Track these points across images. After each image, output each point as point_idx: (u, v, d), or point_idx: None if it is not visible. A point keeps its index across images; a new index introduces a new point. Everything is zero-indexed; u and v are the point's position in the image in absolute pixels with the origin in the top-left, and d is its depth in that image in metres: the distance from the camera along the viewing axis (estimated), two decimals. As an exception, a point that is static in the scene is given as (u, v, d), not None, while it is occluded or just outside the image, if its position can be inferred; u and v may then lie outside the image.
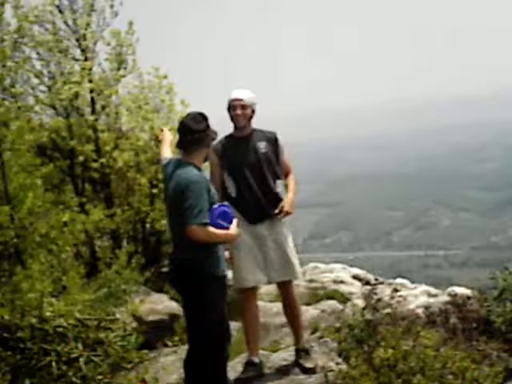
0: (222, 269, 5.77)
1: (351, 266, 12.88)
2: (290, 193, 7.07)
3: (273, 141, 7.04)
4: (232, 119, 6.91)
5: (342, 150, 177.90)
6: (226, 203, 5.86)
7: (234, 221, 5.75)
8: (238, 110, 6.79)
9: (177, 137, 5.91)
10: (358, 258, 78.02)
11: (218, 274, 5.71)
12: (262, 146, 6.92)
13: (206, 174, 6.18)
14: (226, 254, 6.20)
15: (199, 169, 5.75)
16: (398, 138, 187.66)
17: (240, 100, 6.79)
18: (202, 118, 5.78)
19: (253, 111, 6.91)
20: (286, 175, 7.19)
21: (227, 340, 5.80)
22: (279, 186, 7.00)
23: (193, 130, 5.71)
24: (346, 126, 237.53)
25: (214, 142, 6.18)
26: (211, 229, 5.53)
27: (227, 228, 5.66)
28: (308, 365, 6.95)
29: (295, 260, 7.15)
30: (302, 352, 7.14)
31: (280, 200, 6.90)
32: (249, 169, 6.76)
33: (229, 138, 7.00)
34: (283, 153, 7.13)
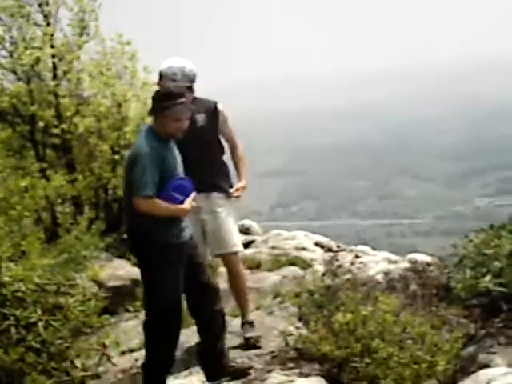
0: (171, 236, 5.63)
1: (315, 233, 12.96)
2: (242, 179, 6.99)
3: (212, 111, 6.79)
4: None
5: (308, 120, 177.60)
6: (185, 177, 5.73)
7: (191, 195, 5.64)
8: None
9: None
10: (323, 226, 78.19)
11: (166, 241, 5.60)
12: (200, 118, 6.67)
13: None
14: None
15: (159, 136, 5.58)
16: (363, 109, 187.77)
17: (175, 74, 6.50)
18: (162, 91, 5.76)
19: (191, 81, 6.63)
20: (232, 148, 7.05)
21: (176, 310, 5.71)
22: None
23: (161, 94, 5.66)
24: (312, 95, 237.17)
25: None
26: (157, 201, 5.45)
27: (182, 202, 5.57)
28: (248, 335, 6.94)
29: (231, 232, 6.93)
30: (246, 324, 7.07)
31: (219, 176, 6.89)
32: (186, 143, 6.05)
33: None
34: (226, 123, 6.92)
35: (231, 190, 6.85)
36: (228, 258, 6.98)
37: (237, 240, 7.02)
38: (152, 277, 5.70)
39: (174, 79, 6.49)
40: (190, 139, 6.09)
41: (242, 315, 7.14)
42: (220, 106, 6.87)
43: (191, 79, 6.66)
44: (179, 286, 5.70)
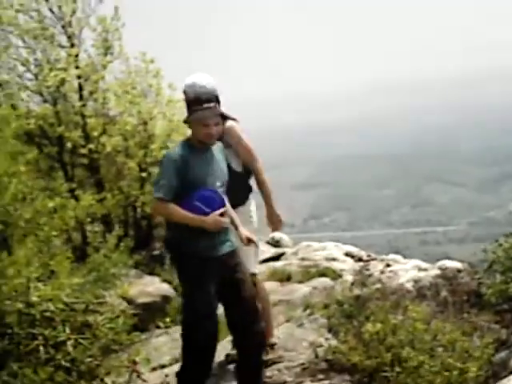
0: (202, 249, 5.54)
1: (347, 244, 12.93)
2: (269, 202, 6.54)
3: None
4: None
5: (328, 134, 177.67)
6: (216, 190, 5.57)
7: (220, 210, 5.49)
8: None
9: None
10: (355, 236, 78.09)
11: (196, 254, 5.53)
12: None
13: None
14: None
15: (193, 145, 5.54)
16: (386, 119, 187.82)
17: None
18: (205, 94, 5.51)
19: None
20: (250, 164, 6.54)
21: (208, 324, 5.61)
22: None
23: (190, 99, 5.53)
24: (330, 110, 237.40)
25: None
26: (172, 206, 5.38)
27: (206, 213, 5.43)
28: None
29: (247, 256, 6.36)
30: (267, 347, 6.82)
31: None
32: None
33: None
34: (238, 142, 6.45)
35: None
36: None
37: (252, 263, 6.58)
38: (184, 288, 5.70)
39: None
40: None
41: None
42: (227, 126, 6.40)
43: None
44: (211, 299, 5.60)
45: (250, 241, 5.89)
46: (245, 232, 5.91)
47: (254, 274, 6.48)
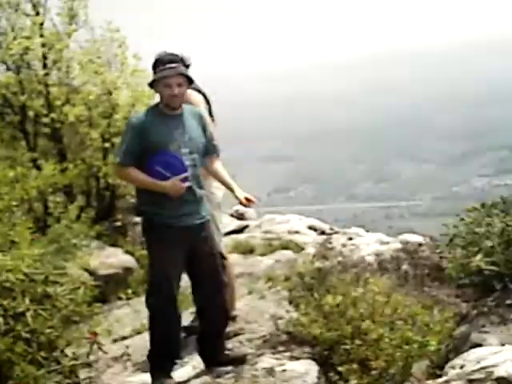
0: (166, 217, 5.49)
1: (315, 218, 12.96)
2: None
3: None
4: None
5: (299, 106, 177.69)
6: (177, 155, 5.44)
7: (181, 175, 5.38)
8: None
9: None
10: (321, 210, 78.31)
11: (160, 221, 5.50)
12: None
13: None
14: None
15: (160, 110, 5.49)
16: (358, 94, 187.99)
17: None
18: (167, 56, 5.48)
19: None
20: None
21: (164, 288, 5.60)
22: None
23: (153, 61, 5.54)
24: (300, 83, 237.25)
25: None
26: (131, 170, 5.35)
27: (167, 178, 5.35)
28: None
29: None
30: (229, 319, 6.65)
31: None
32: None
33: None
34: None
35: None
36: None
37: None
38: (148, 254, 5.74)
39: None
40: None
41: None
42: (193, 99, 6.24)
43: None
44: (170, 265, 5.55)
45: (249, 200, 5.83)
46: (242, 193, 5.84)
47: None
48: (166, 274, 5.56)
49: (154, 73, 5.50)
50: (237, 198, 5.84)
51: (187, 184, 5.43)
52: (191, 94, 6.32)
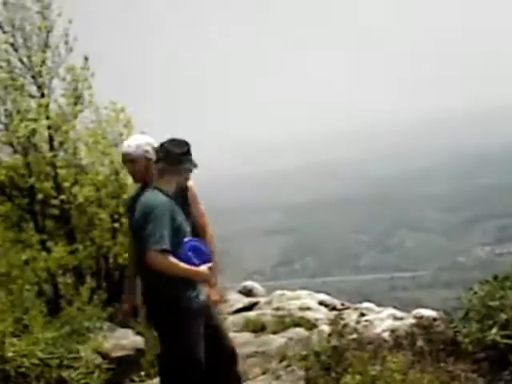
0: (192, 299, 5.52)
1: (318, 291, 12.88)
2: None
3: (180, 190, 5.89)
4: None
5: (297, 178, 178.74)
6: (201, 241, 5.61)
7: (208, 263, 5.52)
8: (129, 167, 6.01)
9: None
10: (325, 282, 78.11)
11: (189, 305, 5.50)
12: None
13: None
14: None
15: (167, 195, 5.51)
16: (352, 164, 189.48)
17: (128, 155, 5.93)
18: (179, 143, 5.61)
19: (148, 159, 5.88)
20: (203, 232, 6.16)
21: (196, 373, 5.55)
22: None
23: (166, 152, 5.55)
24: (297, 156, 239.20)
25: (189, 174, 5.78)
26: (173, 258, 5.31)
27: (196, 264, 5.43)
28: None
29: None
30: None
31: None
32: None
33: (137, 189, 6.16)
34: (196, 203, 6.17)
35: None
36: None
37: None
38: (178, 341, 5.57)
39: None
40: None
41: None
42: (190, 184, 6.12)
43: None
44: (201, 349, 5.57)
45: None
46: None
47: None
48: (199, 359, 5.56)
49: (181, 160, 5.58)
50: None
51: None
52: (193, 184, 6.35)
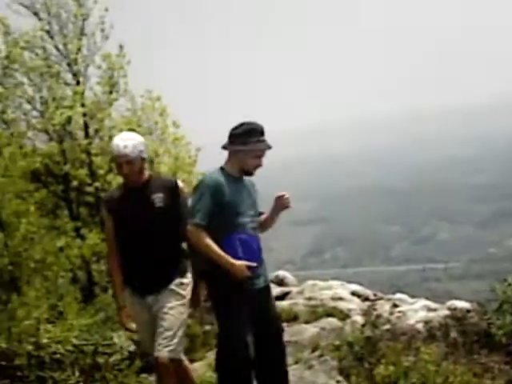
0: (235, 281, 5.35)
1: (350, 281, 12.85)
2: None
3: (172, 190, 5.67)
4: (119, 174, 5.70)
5: (333, 167, 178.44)
6: (257, 238, 5.51)
7: (251, 263, 5.32)
8: (125, 169, 5.50)
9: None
10: (356, 273, 77.94)
11: (231, 285, 5.37)
12: (158, 199, 5.59)
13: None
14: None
15: (230, 174, 5.52)
16: (392, 152, 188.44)
17: (125, 156, 5.45)
18: (240, 124, 5.56)
19: (143, 159, 5.60)
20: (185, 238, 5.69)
21: (240, 352, 5.41)
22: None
23: (230, 134, 5.55)
24: (334, 143, 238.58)
25: (251, 157, 5.56)
26: (204, 234, 5.30)
27: (239, 258, 5.30)
28: None
29: (172, 337, 5.53)
30: None
31: (176, 266, 5.66)
32: (138, 228, 5.49)
33: (121, 187, 5.80)
34: (186, 206, 5.68)
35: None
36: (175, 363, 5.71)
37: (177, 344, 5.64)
38: (219, 318, 5.55)
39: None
40: (145, 224, 5.51)
41: None
42: (180, 184, 5.82)
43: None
44: (244, 329, 5.44)
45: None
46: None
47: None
48: (242, 337, 5.45)
49: (243, 141, 5.52)
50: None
51: (249, 274, 5.35)
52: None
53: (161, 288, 5.57)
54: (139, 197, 5.55)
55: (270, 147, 5.61)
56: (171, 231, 5.59)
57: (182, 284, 5.63)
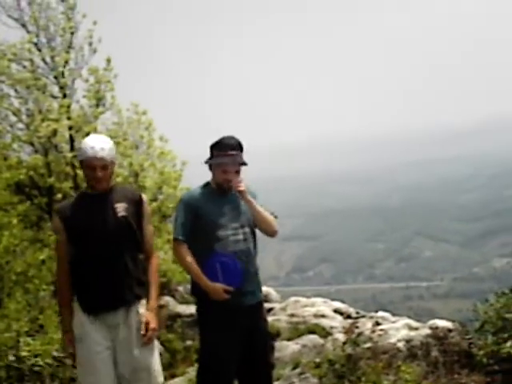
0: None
1: (333, 299, 12.85)
2: (150, 301, 5.23)
3: (135, 202, 5.33)
4: (88, 178, 5.20)
5: (322, 184, 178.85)
6: (236, 261, 5.36)
7: (229, 287, 5.28)
8: (99, 173, 5.09)
9: None
10: (340, 290, 78.10)
11: (214, 303, 5.34)
12: (121, 208, 5.22)
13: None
14: None
15: (212, 187, 5.57)
16: (378, 172, 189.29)
17: (101, 159, 5.05)
18: (219, 139, 5.57)
19: (114, 164, 5.30)
20: (148, 254, 5.39)
21: (216, 370, 5.38)
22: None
23: (213, 143, 5.58)
24: (324, 160, 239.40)
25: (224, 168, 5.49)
26: (185, 250, 5.35)
27: (216, 280, 5.27)
28: None
29: (151, 364, 5.18)
30: None
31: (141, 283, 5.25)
32: (98, 237, 5.10)
33: (78, 196, 5.40)
34: (148, 221, 5.43)
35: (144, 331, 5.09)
36: None
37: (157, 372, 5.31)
38: (201, 336, 5.52)
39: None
40: (105, 233, 5.12)
41: None
42: (145, 198, 5.50)
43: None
44: (223, 349, 5.39)
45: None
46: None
47: None
48: (219, 355, 5.40)
49: (212, 154, 5.55)
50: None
51: (226, 297, 5.30)
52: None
53: (122, 304, 5.11)
54: (101, 204, 5.19)
55: (241, 163, 5.56)
56: (132, 242, 5.23)
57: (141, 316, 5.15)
